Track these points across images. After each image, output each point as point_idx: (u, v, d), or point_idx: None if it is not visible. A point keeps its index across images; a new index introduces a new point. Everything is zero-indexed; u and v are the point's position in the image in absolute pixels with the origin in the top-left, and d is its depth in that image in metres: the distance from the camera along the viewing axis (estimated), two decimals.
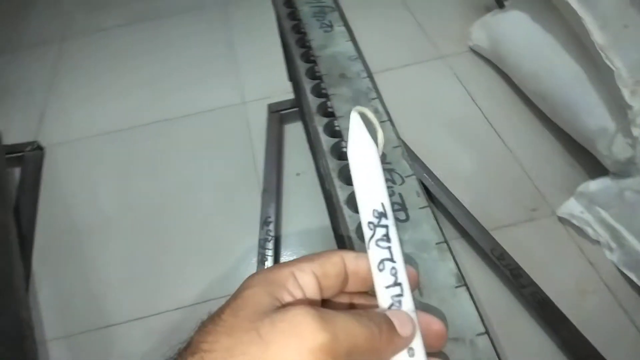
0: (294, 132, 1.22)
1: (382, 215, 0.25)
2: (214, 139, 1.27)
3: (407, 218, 0.50)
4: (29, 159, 1.22)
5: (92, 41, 1.63)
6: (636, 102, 0.81)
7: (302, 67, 0.77)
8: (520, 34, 1.15)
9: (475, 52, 1.35)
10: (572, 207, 0.96)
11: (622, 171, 0.89)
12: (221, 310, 0.22)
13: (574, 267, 0.91)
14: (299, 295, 0.23)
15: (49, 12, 1.79)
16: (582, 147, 1.04)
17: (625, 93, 0.82)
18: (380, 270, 0.24)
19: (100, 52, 1.58)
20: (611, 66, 0.83)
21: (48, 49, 1.61)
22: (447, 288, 0.45)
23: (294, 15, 0.83)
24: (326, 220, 0.97)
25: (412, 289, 0.25)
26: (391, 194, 0.52)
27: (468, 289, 0.46)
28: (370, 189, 0.26)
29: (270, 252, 0.95)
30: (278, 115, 1.24)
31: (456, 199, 0.98)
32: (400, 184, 0.54)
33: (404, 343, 0.23)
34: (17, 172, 1.21)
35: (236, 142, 1.24)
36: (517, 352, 0.81)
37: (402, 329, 0.22)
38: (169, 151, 1.25)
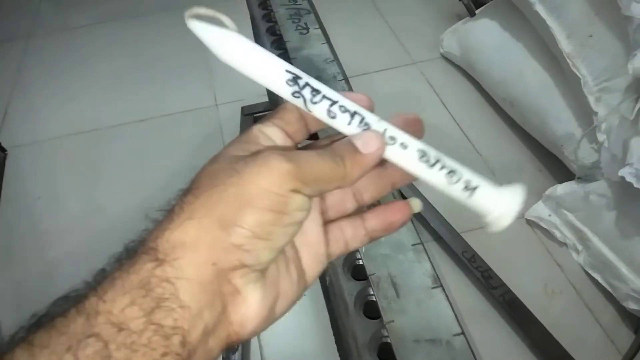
0: None
1: (295, 77, 0.25)
2: (185, 141, 1.25)
3: None
4: None
5: (60, 40, 1.59)
6: (601, 108, 0.83)
7: None
8: (490, 42, 1.18)
9: (446, 58, 1.38)
10: (540, 210, 0.98)
11: (588, 175, 0.92)
12: (202, 167, 0.25)
13: (542, 269, 0.94)
14: (269, 145, 0.26)
15: (16, 9, 1.73)
16: (549, 152, 1.07)
17: (591, 100, 0.84)
18: (333, 117, 0.25)
19: (69, 52, 1.54)
20: (577, 74, 0.86)
21: (13, 46, 1.56)
22: (424, 289, 0.46)
23: (269, 17, 0.83)
24: None
25: (370, 108, 0.26)
26: None
27: (444, 289, 0.47)
28: (267, 65, 0.25)
29: None
30: (251, 119, 1.23)
31: (428, 202, 0.99)
32: None
33: (372, 159, 0.25)
34: None
35: (209, 145, 1.22)
36: (489, 352, 0.82)
37: (365, 147, 0.25)
38: (139, 154, 1.23)
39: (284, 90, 0.25)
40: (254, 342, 0.88)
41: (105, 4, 1.71)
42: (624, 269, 0.84)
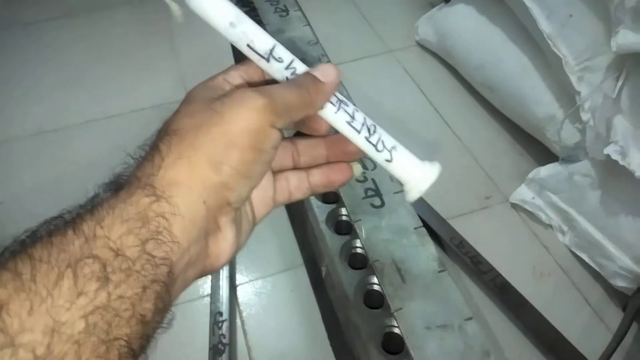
0: None
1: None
2: None
3: (383, 204, 0.48)
4: None
5: (13, 36, 1.49)
6: (584, 87, 0.83)
7: None
8: (466, 27, 1.17)
9: (422, 46, 1.37)
10: (523, 194, 0.98)
11: (571, 156, 0.92)
12: (176, 110, 0.26)
13: (530, 251, 0.93)
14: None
15: None
16: (529, 136, 1.07)
17: (573, 79, 0.84)
18: (291, 73, 0.27)
19: (23, 48, 1.45)
20: (558, 54, 0.85)
21: None
22: (430, 273, 0.43)
23: (244, 0, 0.79)
24: (285, 222, 0.93)
25: (336, 86, 0.28)
26: (364, 180, 0.50)
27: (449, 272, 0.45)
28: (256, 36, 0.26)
29: None
30: None
31: None
32: (373, 169, 0.51)
33: (331, 87, 0.27)
34: None
35: None
36: None
37: (324, 76, 0.27)
38: (107, 153, 1.16)
39: (278, 68, 0.27)
40: (241, 344, 0.84)
41: None
42: (610, 247, 0.84)
